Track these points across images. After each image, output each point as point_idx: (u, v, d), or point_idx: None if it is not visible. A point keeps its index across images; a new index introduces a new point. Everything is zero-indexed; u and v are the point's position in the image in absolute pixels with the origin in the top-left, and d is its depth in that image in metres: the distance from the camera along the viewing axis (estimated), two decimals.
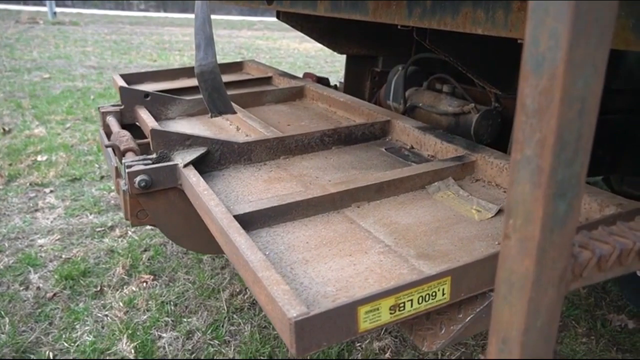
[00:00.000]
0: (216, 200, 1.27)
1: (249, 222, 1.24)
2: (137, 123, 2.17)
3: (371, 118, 1.98)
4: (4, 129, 4.74)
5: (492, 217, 1.32)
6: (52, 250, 2.79)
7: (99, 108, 2.21)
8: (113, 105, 2.18)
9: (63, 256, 2.74)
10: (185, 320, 2.28)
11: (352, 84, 2.96)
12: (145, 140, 1.87)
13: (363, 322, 0.90)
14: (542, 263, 0.53)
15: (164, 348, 2.11)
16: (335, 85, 3.07)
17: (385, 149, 1.81)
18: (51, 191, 3.55)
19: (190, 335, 2.20)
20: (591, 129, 0.49)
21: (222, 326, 2.25)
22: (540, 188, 0.50)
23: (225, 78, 2.68)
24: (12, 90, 6.33)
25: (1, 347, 2.06)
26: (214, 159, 1.59)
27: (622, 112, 2.04)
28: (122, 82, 2.50)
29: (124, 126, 2.09)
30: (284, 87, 2.43)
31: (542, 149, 0.49)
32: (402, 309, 0.94)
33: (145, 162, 1.50)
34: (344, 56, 2.97)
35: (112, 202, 3.42)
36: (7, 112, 5.38)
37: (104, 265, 2.69)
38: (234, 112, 1.57)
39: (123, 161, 1.51)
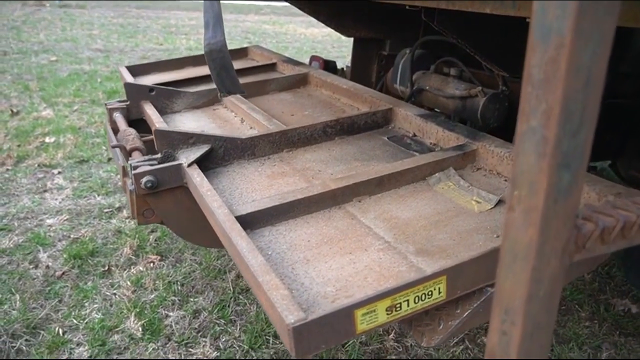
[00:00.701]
0: (219, 202, 1.28)
1: (252, 221, 1.26)
2: (144, 117, 2.18)
3: (374, 105, 1.97)
4: (12, 111, 4.77)
5: (491, 208, 1.32)
6: (61, 230, 2.83)
7: (105, 104, 2.22)
8: (119, 101, 2.19)
9: (71, 236, 2.78)
10: (192, 299, 2.31)
11: (359, 68, 2.96)
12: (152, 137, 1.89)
13: (360, 324, 0.93)
14: (546, 233, 0.54)
15: (171, 326, 2.14)
16: (342, 68, 3.06)
17: (388, 138, 1.80)
18: (59, 172, 3.58)
19: (197, 314, 2.23)
20: (596, 99, 0.49)
21: (228, 306, 2.28)
22: (545, 158, 0.51)
23: None
24: (19, 73, 6.35)
25: (12, 322, 2.10)
26: (218, 156, 1.59)
27: (630, 96, 2.03)
28: (128, 75, 2.51)
29: (131, 121, 2.09)
30: (287, 75, 2.42)
31: (548, 119, 0.49)
32: (398, 309, 0.96)
33: (151, 162, 1.51)
34: (351, 41, 2.96)
35: (120, 183, 3.44)
36: (15, 94, 5.40)
37: (111, 246, 2.72)
38: (243, 92, 1.57)
39: (129, 162, 1.52)
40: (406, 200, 1.39)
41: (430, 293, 0.99)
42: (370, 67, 2.95)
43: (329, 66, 3.02)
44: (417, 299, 0.98)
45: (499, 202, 1.33)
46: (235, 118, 2.04)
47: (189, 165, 1.49)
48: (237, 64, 2.78)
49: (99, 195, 3.27)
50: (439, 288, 1.00)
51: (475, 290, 1.05)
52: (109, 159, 3.86)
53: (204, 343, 2.05)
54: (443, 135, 1.67)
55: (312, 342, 0.88)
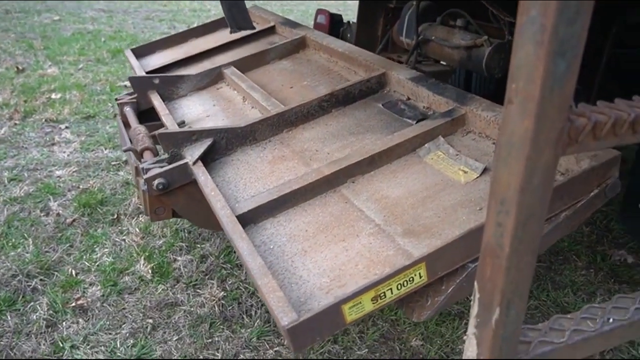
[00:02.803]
0: (222, 202, 1.34)
1: (254, 217, 1.34)
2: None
3: (369, 69, 1.97)
4: (17, 68, 4.77)
5: (477, 177, 1.35)
6: (70, 181, 2.89)
7: (116, 99, 2.24)
8: (128, 95, 2.22)
9: (81, 186, 2.84)
10: (199, 245, 2.38)
11: (365, 22, 2.94)
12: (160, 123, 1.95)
13: (349, 315, 1.02)
14: (541, 122, 0.57)
15: (179, 269, 2.22)
16: (348, 22, 3.05)
17: (383, 105, 1.80)
18: (66, 127, 3.61)
19: (204, 259, 2.30)
20: None
21: (234, 252, 2.34)
22: (542, 46, 0.54)
23: (227, 32, 2.68)
24: (23, 31, 6.32)
25: (27, 264, 2.17)
26: (222, 147, 1.64)
27: (637, 47, 2.03)
28: (133, 58, 2.55)
29: (141, 113, 2.14)
30: (285, 41, 2.39)
31: (546, 7, 0.52)
32: (383, 297, 1.06)
33: (161, 163, 1.58)
34: (356, 4, 2.92)
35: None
36: (20, 52, 5.39)
37: (119, 196, 2.78)
38: (253, 28, 1.59)
39: (140, 166, 1.59)
40: (397, 176, 1.43)
41: (411, 279, 1.08)
42: (377, 20, 2.94)
43: (334, 19, 3.01)
44: (399, 286, 1.07)
45: (485, 170, 1.37)
46: (237, 97, 2.07)
47: (194, 163, 1.54)
48: None
49: (106, 149, 3.32)
50: (419, 273, 1.08)
51: (458, 267, 1.12)
52: (115, 115, 3.88)
53: (211, 285, 2.13)
54: (434, 99, 1.68)
55: (307, 337, 0.99)
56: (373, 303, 1.04)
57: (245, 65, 2.26)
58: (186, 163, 1.55)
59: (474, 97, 1.60)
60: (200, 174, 1.51)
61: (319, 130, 1.73)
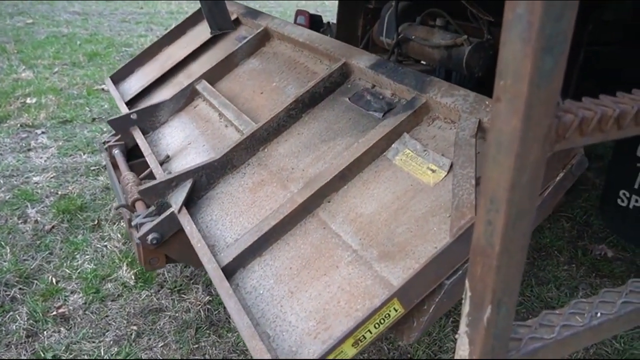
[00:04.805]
0: (208, 255, 1.36)
1: (241, 262, 1.36)
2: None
3: (331, 59, 1.94)
4: None
5: (445, 175, 1.34)
6: (48, 187, 2.83)
7: (104, 142, 2.23)
8: (114, 135, 2.21)
9: (59, 192, 2.78)
10: None
11: (345, 22, 2.94)
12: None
13: None
14: (529, 120, 0.57)
15: (163, 274, 2.19)
16: (328, 22, 3.05)
17: (349, 99, 1.76)
18: (43, 132, 3.54)
19: None
20: None
21: None
22: (529, 43, 0.54)
23: (195, 32, 2.67)
24: None
25: (4, 273, 2.12)
26: (203, 183, 1.65)
27: (612, 44, 2.07)
28: (112, 86, 2.55)
29: (130, 151, 2.14)
30: (249, 38, 2.35)
31: (533, 5, 0.52)
32: (363, 339, 1.08)
33: (151, 217, 1.59)
34: (334, 5, 2.91)
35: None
36: None
37: (100, 201, 2.73)
38: (234, 28, 1.57)
39: (133, 223, 1.61)
40: (369, 187, 1.43)
41: (387, 315, 1.10)
42: (356, 21, 2.94)
43: (314, 20, 3.01)
44: (377, 324, 1.09)
45: (451, 166, 1.34)
46: (214, 114, 2.06)
47: (179, 211, 1.54)
48: (203, 27, 2.72)
49: (84, 153, 3.26)
50: (394, 307, 1.10)
51: (434, 288, 1.13)
52: (93, 119, 3.82)
53: (196, 289, 2.10)
54: (396, 87, 1.65)
55: None
56: (355, 347, 1.08)
57: (215, 75, 2.24)
58: (173, 212, 1.55)
59: (432, 81, 1.54)
60: (186, 223, 1.50)
61: (292, 142, 1.72)
